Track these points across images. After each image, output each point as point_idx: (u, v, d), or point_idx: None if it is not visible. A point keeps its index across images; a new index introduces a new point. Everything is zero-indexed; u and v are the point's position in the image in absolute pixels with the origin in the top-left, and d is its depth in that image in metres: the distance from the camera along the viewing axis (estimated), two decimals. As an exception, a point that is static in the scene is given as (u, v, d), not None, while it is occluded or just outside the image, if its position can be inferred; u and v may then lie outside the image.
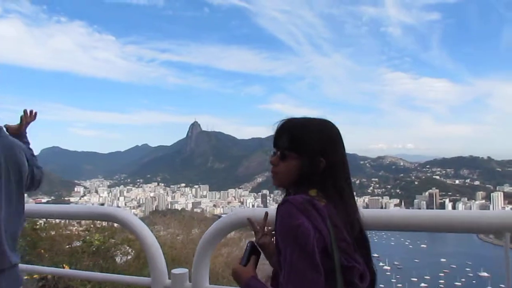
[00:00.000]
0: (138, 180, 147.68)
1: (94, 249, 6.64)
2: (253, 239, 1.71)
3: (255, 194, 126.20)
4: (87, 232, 7.42)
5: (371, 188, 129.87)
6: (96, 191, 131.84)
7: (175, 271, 2.42)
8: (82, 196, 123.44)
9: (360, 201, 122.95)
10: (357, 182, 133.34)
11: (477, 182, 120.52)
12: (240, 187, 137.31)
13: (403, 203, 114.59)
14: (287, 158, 1.45)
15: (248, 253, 1.56)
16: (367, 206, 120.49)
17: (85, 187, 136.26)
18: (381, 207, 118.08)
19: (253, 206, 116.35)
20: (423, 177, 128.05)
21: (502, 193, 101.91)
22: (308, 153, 1.42)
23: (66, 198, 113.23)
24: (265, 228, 1.74)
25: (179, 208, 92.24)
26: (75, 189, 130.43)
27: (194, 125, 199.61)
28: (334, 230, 1.31)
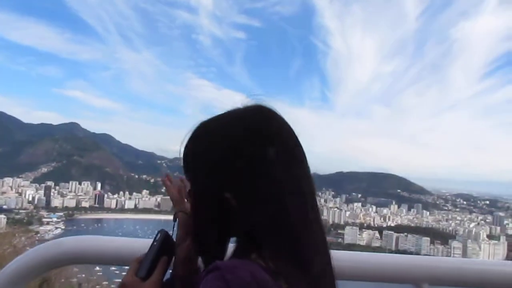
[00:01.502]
0: None
1: None
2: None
3: (37, 185, 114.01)
4: None
5: (165, 188, 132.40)
6: None
7: None
8: None
9: (152, 200, 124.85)
10: (152, 180, 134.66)
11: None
12: (20, 176, 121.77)
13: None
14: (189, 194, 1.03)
15: (154, 254, 1.02)
16: (159, 205, 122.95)
17: None
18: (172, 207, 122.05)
19: (33, 198, 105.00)
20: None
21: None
22: (201, 183, 0.98)
23: None
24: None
25: None
26: None
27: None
28: None
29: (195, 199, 0.98)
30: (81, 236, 1.33)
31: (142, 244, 1.20)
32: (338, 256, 1.48)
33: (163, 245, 1.03)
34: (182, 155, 1.01)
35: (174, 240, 1.09)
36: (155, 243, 1.02)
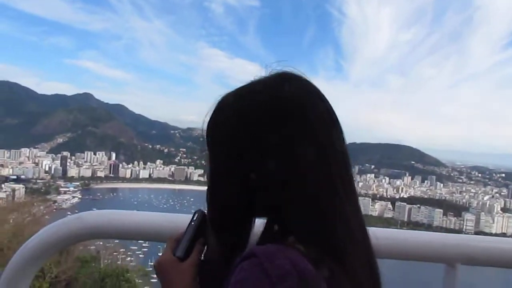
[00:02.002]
0: None
1: None
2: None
3: (54, 156, 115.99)
4: None
5: (179, 157, 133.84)
6: None
7: None
8: None
9: (166, 170, 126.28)
10: (166, 151, 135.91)
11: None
12: (36, 146, 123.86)
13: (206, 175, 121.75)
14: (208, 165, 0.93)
15: (192, 234, 0.95)
16: (172, 175, 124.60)
17: None
18: (186, 177, 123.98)
19: (50, 168, 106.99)
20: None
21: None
22: (223, 154, 0.87)
23: None
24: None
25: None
26: None
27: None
28: None
29: (217, 174, 0.89)
30: (102, 210, 1.30)
31: (162, 218, 1.15)
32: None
33: (201, 226, 0.95)
34: (204, 128, 0.91)
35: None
36: (192, 223, 0.95)
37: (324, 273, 0.70)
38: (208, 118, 0.89)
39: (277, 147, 0.78)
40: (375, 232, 0.99)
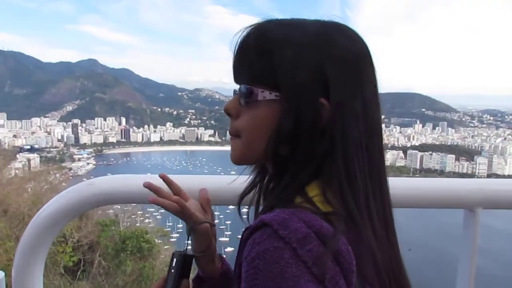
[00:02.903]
0: None
1: None
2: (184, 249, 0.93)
3: (65, 124, 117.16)
4: None
5: (188, 119, 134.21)
6: None
7: None
8: None
9: (177, 132, 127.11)
10: (175, 113, 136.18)
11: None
12: (47, 115, 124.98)
13: (217, 134, 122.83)
14: (254, 102, 0.74)
15: (174, 283, 0.88)
16: (183, 137, 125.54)
17: None
18: (196, 138, 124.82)
19: (62, 136, 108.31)
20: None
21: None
22: (295, 90, 0.71)
23: None
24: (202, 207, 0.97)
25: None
26: None
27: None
28: None
29: (280, 103, 0.72)
30: (114, 176, 1.27)
31: (175, 179, 1.07)
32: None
33: (182, 269, 0.90)
34: (257, 45, 0.73)
35: (191, 252, 0.92)
36: (172, 271, 0.90)
37: (341, 227, 0.65)
38: (243, 42, 0.75)
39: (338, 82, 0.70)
40: (393, 182, 0.93)
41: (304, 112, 0.70)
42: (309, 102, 0.69)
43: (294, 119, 0.70)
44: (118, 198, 1.30)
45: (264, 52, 0.72)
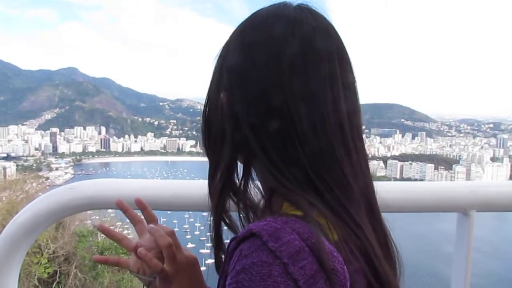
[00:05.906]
0: None
1: None
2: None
3: (43, 132, 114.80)
4: None
5: (169, 129, 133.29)
6: None
7: None
8: None
9: (157, 142, 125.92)
10: (156, 123, 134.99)
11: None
12: (24, 123, 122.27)
13: (198, 144, 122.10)
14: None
15: None
16: (164, 147, 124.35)
17: None
18: (178, 148, 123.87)
19: (40, 145, 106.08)
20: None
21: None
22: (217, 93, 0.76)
23: None
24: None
25: None
26: None
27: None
28: None
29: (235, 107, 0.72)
30: (95, 179, 1.20)
31: (158, 184, 1.09)
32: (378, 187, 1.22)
33: None
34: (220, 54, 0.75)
35: None
36: None
37: (333, 236, 0.60)
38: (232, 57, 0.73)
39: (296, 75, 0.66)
40: (385, 186, 0.92)
41: (233, 123, 0.72)
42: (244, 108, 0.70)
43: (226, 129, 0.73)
44: (100, 203, 1.20)
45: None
